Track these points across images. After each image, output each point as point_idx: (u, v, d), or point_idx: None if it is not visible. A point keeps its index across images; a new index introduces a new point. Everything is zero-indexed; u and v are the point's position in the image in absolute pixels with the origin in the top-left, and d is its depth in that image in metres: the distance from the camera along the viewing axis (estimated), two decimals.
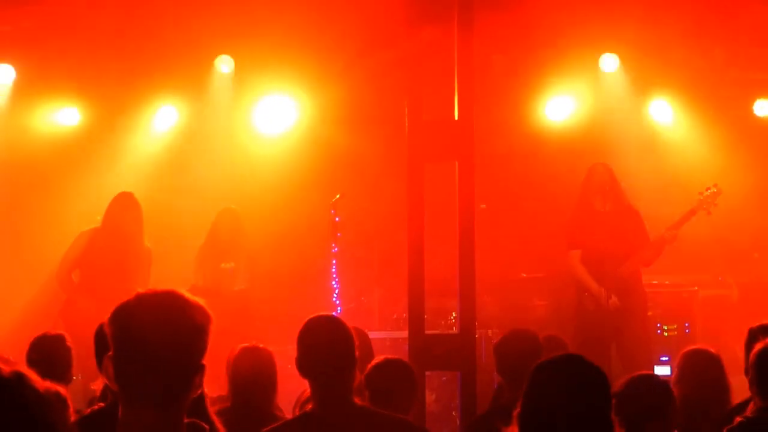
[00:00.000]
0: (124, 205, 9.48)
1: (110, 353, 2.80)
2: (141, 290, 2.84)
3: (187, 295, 2.84)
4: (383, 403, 5.20)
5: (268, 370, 5.77)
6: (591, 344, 8.59)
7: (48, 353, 6.01)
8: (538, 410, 3.27)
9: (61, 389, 4.85)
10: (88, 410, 4.43)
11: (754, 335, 5.29)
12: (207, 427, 3.54)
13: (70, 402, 4.80)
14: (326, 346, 4.43)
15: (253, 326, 9.43)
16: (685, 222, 9.15)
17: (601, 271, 8.95)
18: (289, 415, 5.52)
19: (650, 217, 9.45)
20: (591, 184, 9.21)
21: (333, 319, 4.67)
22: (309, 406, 4.46)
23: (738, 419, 4.71)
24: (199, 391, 2.84)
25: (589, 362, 3.37)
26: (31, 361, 6.00)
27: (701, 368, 5.99)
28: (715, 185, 9.34)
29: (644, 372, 5.17)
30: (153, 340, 2.75)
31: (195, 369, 2.81)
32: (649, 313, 9.50)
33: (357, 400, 4.45)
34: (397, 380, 5.46)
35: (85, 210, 10.49)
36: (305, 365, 4.45)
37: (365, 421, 4.40)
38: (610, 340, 8.88)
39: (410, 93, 6.82)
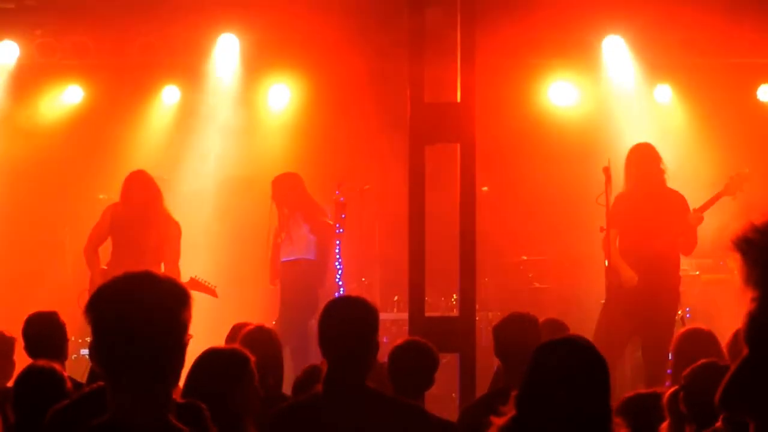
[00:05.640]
0: (138, 182, 9.35)
1: (91, 343, 2.83)
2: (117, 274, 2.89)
3: (160, 276, 2.86)
4: (405, 384, 5.21)
5: (274, 350, 5.74)
6: (611, 322, 8.58)
7: (42, 331, 6.03)
8: (536, 391, 3.25)
9: (57, 366, 4.92)
10: (87, 388, 4.45)
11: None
12: (204, 406, 3.56)
13: (66, 377, 4.85)
14: (342, 328, 4.38)
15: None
16: (710, 205, 8.95)
17: (630, 251, 8.85)
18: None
19: None
20: (633, 164, 9.04)
21: (354, 301, 4.60)
22: (318, 387, 4.43)
23: None
24: None
25: (590, 345, 3.35)
26: (28, 339, 6.05)
27: (698, 347, 5.94)
28: (745, 169, 9.22)
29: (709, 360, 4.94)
30: (127, 327, 2.77)
31: (174, 349, 2.82)
32: None
33: (369, 384, 4.40)
34: (419, 362, 5.47)
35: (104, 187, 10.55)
36: (321, 345, 4.43)
37: (373, 405, 4.36)
38: (630, 322, 8.75)
39: (412, 75, 6.80)
